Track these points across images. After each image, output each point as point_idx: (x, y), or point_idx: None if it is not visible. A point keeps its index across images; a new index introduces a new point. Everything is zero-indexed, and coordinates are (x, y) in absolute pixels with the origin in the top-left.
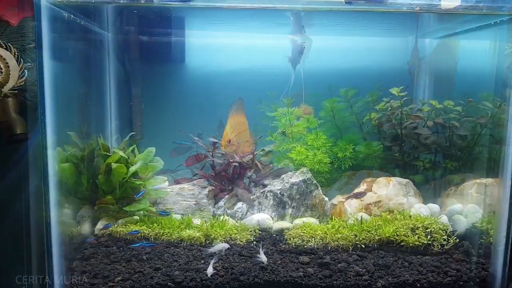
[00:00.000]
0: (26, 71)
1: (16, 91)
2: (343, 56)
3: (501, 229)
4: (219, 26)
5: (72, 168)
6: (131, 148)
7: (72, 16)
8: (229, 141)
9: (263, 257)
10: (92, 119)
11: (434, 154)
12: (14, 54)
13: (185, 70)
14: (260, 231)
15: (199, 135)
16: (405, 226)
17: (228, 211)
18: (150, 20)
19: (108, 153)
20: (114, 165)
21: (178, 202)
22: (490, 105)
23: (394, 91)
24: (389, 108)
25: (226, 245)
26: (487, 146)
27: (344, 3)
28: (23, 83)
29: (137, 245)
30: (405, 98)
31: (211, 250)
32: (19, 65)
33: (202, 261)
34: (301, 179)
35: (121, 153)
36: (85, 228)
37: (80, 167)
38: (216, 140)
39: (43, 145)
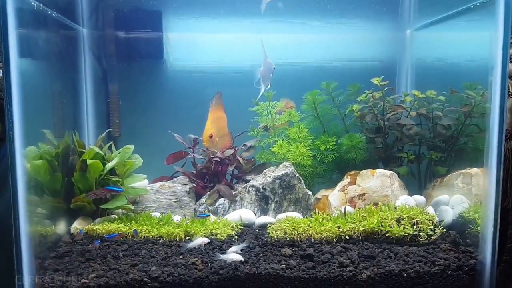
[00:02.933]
0: (1, 70)
1: None
2: (326, 51)
3: (488, 217)
4: (198, 20)
5: (46, 165)
6: (107, 144)
7: (42, 5)
8: (211, 136)
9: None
10: (68, 116)
11: (418, 146)
12: None
13: (163, 66)
14: (242, 226)
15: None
16: (390, 217)
17: (210, 208)
18: (127, 15)
19: (83, 150)
20: (89, 162)
21: (158, 200)
22: (473, 94)
23: (375, 81)
24: (371, 99)
25: (206, 240)
26: (472, 136)
27: None
28: None
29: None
30: (386, 88)
31: (190, 245)
32: None
33: (181, 257)
34: (283, 172)
35: (97, 149)
36: (60, 227)
37: (54, 164)
38: (197, 137)
39: (10, 141)
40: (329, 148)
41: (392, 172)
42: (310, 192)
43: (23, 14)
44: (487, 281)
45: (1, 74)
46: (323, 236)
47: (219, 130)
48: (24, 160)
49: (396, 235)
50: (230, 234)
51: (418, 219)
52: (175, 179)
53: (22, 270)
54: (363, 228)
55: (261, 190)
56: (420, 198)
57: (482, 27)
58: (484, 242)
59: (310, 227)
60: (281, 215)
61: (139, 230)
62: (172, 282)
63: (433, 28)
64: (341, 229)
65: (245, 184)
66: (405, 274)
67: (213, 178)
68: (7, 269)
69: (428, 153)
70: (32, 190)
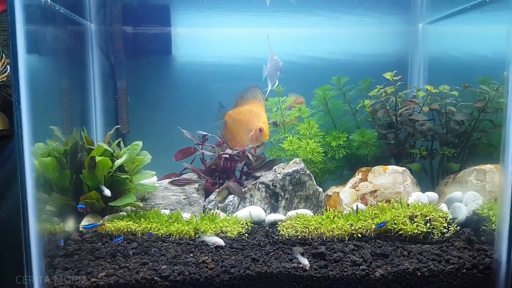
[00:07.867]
0: (8, 66)
1: None
2: (336, 45)
3: (504, 214)
4: (205, 15)
5: (54, 162)
6: (116, 141)
7: (49, 1)
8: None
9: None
10: (76, 113)
11: (431, 142)
12: None
13: (172, 61)
14: (252, 223)
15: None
16: (402, 214)
17: (220, 205)
18: (135, 10)
19: (92, 147)
20: (98, 159)
21: (167, 197)
22: (487, 89)
23: (388, 75)
24: (383, 94)
25: (222, 242)
26: (486, 131)
27: None
28: (5, 78)
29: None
30: (399, 83)
31: (206, 238)
32: (0, 60)
33: (191, 255)
34: (293, 169)
35: (105, 146)
36: (69, 225)
37: (63, 161)
38: (206, 133)
39: (18, 138)
40: (340, 144)
41: (404, 168)
42: (320, 189)
43: (31, 10)
44: (503, 280)
45: (9, 71)
46: (334, 234)
47: None
48: (32, 157)
49: (409, 233)
50: (240, 232)
51: (432, 217)
52: (184, 175)
53: (31, 269)
54: (375, 226)
55: (271, 187)
56: (433, 195)
57: (498, 21)
58: (500, 240)
59: (322, 225)
60: (292, 212)
61: (148, 228)
62: (182, 281)
63: (446, 22)
64: (353, 227)
65: (255, 181)
66: (419, 273)
67: (222, 174)
68: (16, 268)
69: (441, 149)
70: (40, 187)
